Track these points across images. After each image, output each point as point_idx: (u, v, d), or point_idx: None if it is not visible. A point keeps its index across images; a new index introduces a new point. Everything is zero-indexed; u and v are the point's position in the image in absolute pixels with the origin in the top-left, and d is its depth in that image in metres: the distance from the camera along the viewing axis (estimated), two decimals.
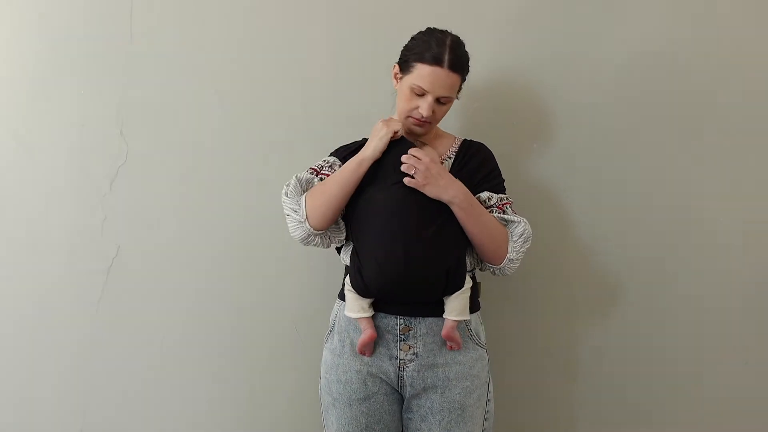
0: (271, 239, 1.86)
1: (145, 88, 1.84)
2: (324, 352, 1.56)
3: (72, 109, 1.83)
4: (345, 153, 1.58)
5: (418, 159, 1.45)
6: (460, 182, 1.48)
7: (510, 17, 1.86)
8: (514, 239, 1.51)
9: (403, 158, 1.45)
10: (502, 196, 1.56)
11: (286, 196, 1.52)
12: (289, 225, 1.53)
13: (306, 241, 1.53)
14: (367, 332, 1.47)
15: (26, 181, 1.83)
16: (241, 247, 1.86)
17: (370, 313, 1.48)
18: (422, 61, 1.46)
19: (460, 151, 1.60)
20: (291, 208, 1.52)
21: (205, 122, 1.85)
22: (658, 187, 1.88)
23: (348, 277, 1.51)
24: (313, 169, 1.57)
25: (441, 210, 1.46)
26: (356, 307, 1.48)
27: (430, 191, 1.44)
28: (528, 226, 1.52)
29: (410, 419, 1.51)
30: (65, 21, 1.83)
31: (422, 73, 1.46)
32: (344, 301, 1.52)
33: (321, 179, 1.54)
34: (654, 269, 1.89)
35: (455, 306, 1.48)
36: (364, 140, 1.59)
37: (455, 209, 1.45)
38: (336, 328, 1.54)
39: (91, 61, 1.83)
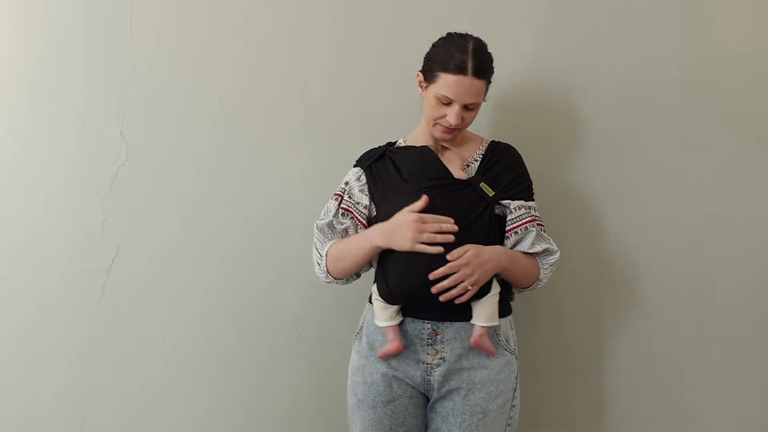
0: (271, 239, 1.86)
1: (145, 88, 1.84)
2: (352, 353, 1.56)
3: (72, 110, 1.83)
4: (369, 161, 1.56)
5: (457, 267, 1.39)
6: (497, 248, 1.45)
7: (517, 20, 1.84)
8: (544, 267, 1.53)
9: (440, 274, 1.39)
10: (534, 214, 1.53)
11: (315, 248, 1.55)
12: (315, 269, 1.57)
13: (330, 284, 1.57)
14: (393, 344, 1.45)
15: (27, 181, 1.84)
16: (241, 246, 1.86)
17: (398, 320, 1.46)
18: (446, 70, 1.45)
19: (487, 154, 1.57)
20: (316, 261, 1.55)
21: (205, 122, 1.85)
22: (658, 186, 1.88)
23: (375, 285, 1.50)
24: (337, 195, 1.56)
25: (464, 215, 1.44)
26: (384, 315, 1.46)
27: (487, 278, 1.43)
28: (559, 253, 1.54)
29: (432, 419, 1.52)
30: (66, 21, 1.83)
31: (447, 82, 1.45)
32: (372, 305, 1.52)
33: (343, 215, 1.54)
34: (653, 269, 1.89)
35: (483, 312, 1.44)
36: (388, 145, 1.59)
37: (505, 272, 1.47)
38: (365, 331, 1.54)
39: (92, 62, 1.83)
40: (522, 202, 1.52)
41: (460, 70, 1.44)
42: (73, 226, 1.84)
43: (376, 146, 1.61)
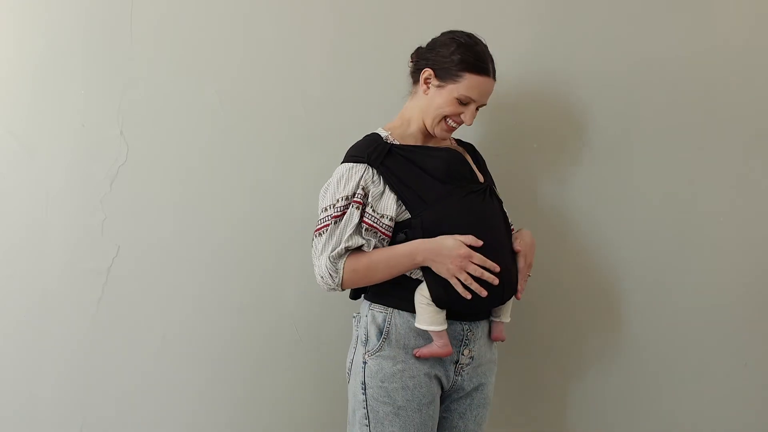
0: (270, 239, 1.86)
1: (145, 89, 1.84)
2: (372, 362, 1.44)
3: (72, 110, 1.83)
4: (379, 157, 1.43)
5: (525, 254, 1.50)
6: (525, 232, 1.56)
7: (511, 18, 1.86)
8: None
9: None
10: None
11: (329, 260, 1.40)
12: (319, 278, 1.44)
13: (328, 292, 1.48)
14: (447, 348, 1.42)
15: (26, 182, 1.83)
16: (241, 247, 1.86)
17: (447, 323, 1.43)
18: (472, 71, 1.45)
19: (468, 150, 1.63)
20: (330, 273, 1.41)
21: (205, 122, 1.85)
22: (657, 186, 1.88)
23: (425, 290, 1.42)
24: (356, 202, 1.41)
25: (503, 218, 1.52)
26: (440, 319, 1.41)
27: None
28: None
29: (446, 418, 1.52)
30: (66, 21, 1.83)
31: (473, 83, 1.45)
32: (395, 308, 1.45)
33: (366, 230, 1.42)
34: (653, 269, 1.89)
35: (507, 310, 1.54)
36: (377, 137, 1.48)
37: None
38: (393, 336, 1.44)
39: (92, 62, 1.83)
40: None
41: (485, 71, 1.46)
42: (73, 226, 1.84)
43: (361, 140, 1.49)
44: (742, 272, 1.89)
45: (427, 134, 1.54)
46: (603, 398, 1.92)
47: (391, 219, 1.43)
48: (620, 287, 1.90)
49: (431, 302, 1.41)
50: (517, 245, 1.50)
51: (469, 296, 1.39)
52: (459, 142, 1.67)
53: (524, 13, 1.86)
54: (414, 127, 1.53)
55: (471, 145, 1.67)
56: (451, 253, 1.37)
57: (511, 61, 1.83)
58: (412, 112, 1.54)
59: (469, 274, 1.38)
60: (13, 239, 1.83)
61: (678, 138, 1.87)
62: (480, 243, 1.39)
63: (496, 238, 1.44)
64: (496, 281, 1.39)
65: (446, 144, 1.60)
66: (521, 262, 1.50)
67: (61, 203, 1.84)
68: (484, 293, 1.39)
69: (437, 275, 1.40)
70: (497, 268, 1.40)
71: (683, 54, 1.86)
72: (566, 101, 1.86)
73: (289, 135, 1.85)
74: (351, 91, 1.85)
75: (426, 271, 1.41)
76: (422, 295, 1.43)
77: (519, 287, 1.49)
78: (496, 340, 1.54)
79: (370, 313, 1.48)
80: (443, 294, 1.40)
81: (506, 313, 1.54)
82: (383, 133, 1.52)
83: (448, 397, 1.51)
